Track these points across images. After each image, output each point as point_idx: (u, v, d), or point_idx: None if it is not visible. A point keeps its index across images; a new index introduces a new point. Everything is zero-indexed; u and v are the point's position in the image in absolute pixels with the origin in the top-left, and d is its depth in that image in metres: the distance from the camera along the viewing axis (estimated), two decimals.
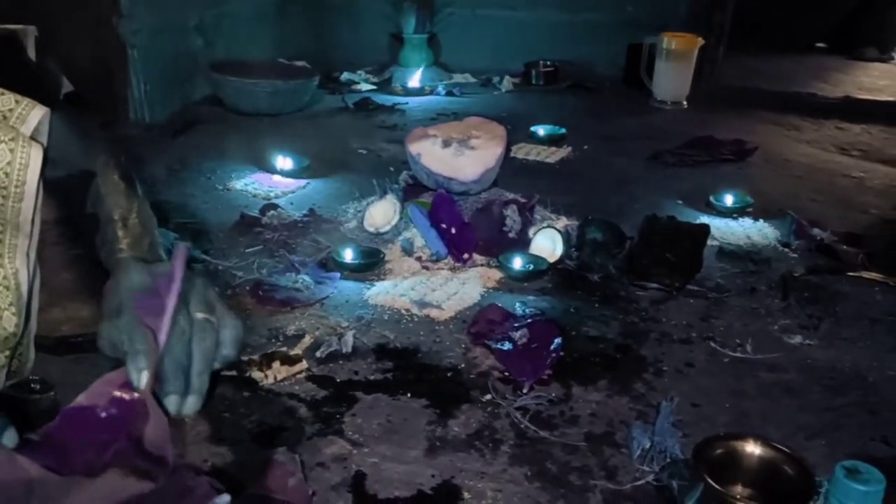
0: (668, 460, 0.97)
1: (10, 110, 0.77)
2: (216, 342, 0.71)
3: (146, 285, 0.72)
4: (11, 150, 0.74)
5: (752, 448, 0.90)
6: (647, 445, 0.99)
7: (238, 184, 1.89)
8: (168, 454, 0.67)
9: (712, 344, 1.25)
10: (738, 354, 1.23)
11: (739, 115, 2.73)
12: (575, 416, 1.06)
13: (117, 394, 0.68)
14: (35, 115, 0.78)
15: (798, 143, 2.46)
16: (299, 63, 2.79)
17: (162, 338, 0.69)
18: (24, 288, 0.78)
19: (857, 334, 1.30)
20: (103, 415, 0.68)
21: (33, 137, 0.76)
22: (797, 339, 1.27)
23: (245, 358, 1.14)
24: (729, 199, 1.82)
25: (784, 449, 0.88)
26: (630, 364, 1.19)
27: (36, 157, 0.75)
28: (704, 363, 1.21)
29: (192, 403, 0.69)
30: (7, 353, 0.82)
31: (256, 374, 1.11)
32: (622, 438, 1.02)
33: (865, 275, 1.47)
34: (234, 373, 1.11)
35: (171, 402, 0.68)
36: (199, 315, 0.71)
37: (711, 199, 1.83)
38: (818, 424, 1.07)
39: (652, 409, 1.07)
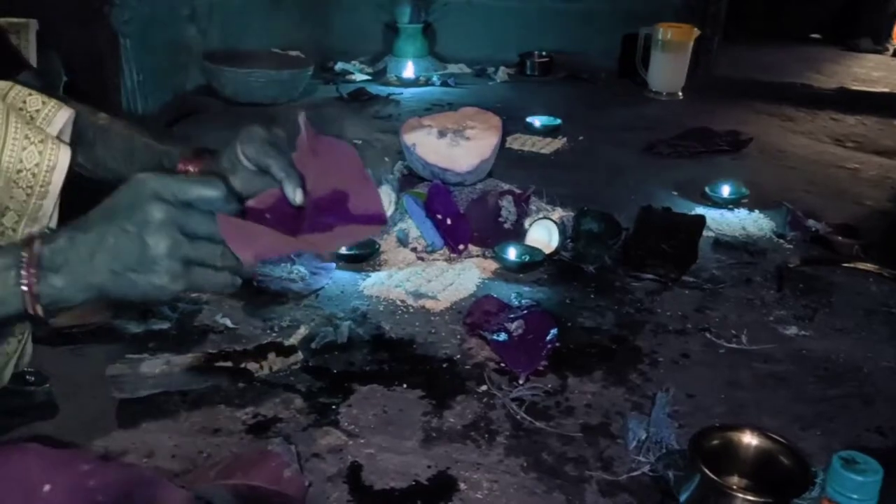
0: (664, 451, 0.97)
1: (38, 111, 0.78)
2: None
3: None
4: (40, 152, 0.75)
5: (749, 438, 0.90)
6: (643, 436, 0.99)
7: None
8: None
9: (707, 335, 1.25)
10: (734, 345, 1.23)
11: (734, 105, 2.73)
12: (571, 407, 1.06)
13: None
14: (61, 116, 0.79)
15: (793, 133, 2.46)
16: (293, 53, 2.77)
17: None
18: None
19: (851, 325, 1.30)
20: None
21: (61, 139, 0.77)
22: (792, 330, 1.28)
23: (239, 349, 1.14)
24: (724, 190, 1.81)
25: (780, 439, 0.89)
26: (625, 355, 1.19)
27: (63, 158, 0.77)
28: (700, 354, 1.21)
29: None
30: (20, 338, 0.82)
31: (251, 366, 1.11)
32: (618, 429, 1.02)
33: (860, 266, 1.48)
34: (228, 364, 1.11)
35: None
36: None
37: (707, 189, 1.83)
38: (813, 415, 1.07)
39: (647, 400, 1.07)
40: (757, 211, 1.76)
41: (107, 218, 0.64)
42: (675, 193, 1.87)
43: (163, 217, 0.62)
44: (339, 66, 3.03)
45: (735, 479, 0.90)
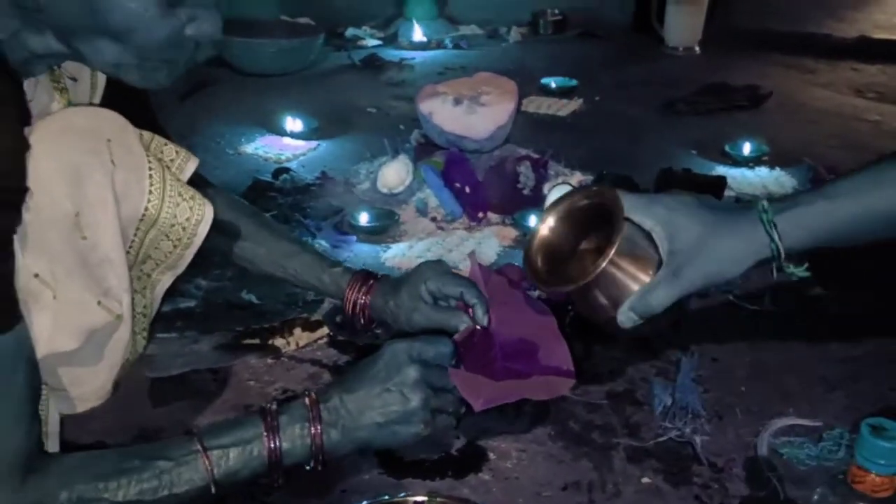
0: (690, 416, 0.98)
1: (172, 160, 0.84)
2: None
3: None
4: (191, 208, 0.81)
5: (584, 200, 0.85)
6: (669, 402, 1.00)
7: (248, 147, 1.88)
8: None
9: (731, 297, 1.25)
10: (757, 307, 1.23)
11: (753, 58, 2.68)
12: (596, 375, 1.07)
13: None
14: (191, 165, 0.85)
15: (813, 86, 2.41)
16: (303, 20, 2.74)
17: None
18: (153, 315, 0.90)
19: (876, 283, 1.29)
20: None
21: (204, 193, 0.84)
22: (816, 291, 1.27)
23: (266, 325, 1.15)
24: (745, 148, 1.79)
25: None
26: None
27: (209, 214, 0.83)
28: (723, 318, 1.21)
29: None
30: (125, 371, 0.87)
31: (278, 342, 1.12)
32: (643, 396, 1.03)
33: None
34: (256, 341, 1.12)
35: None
36: None
37: (726, 148, 1.81)
38: (838, 375, 1.07)
39: (672, 366, 1.08)
40: (778, 168, 1.75)
41: (370, 380, 0.75)
42: (695, 153, 1.85)
43: (417, 376, 0.75)
44: (350, 32, 2.99)
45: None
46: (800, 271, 0.75)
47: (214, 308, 1.22)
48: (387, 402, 0.74)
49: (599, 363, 1.09)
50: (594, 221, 0.81)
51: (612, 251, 0.73)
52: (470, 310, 0.88)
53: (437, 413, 0.76)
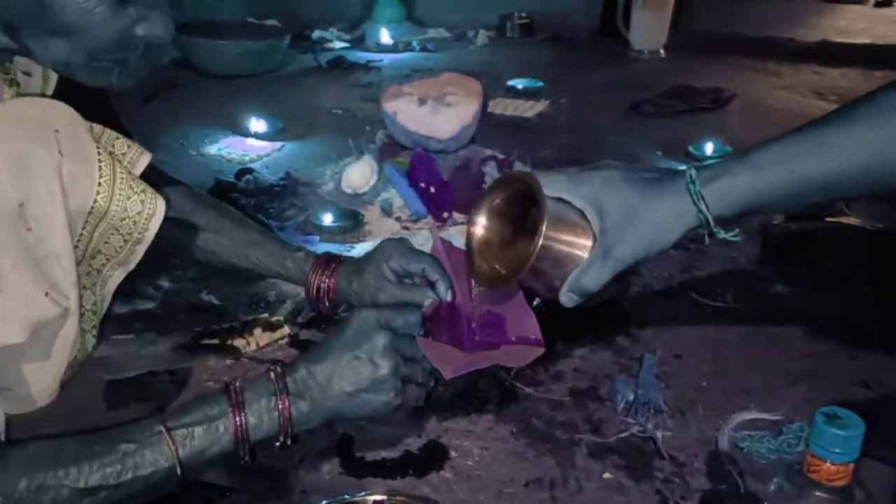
0: (653, 412, 0.97)
1: (124, 154, 0.81)
2: None
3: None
4: (142, 202, 0.79)
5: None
6: (631, 398, 1.00)
7: (212, 149, 1.86)
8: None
9: (694, 294, 1.26)
10: (720, 304, 1.23)
11: (717, 61, 2.71)
12: (559, 372, 1.07)
13: None
14: (144, 160, 0.83)
15: (776, 88, 2.45)
16: (269, 22, 2.72)
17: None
18: (103, 312, 0.88)
19: (836, 280, 1.31)
20: None
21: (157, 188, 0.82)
22: (777, 287, 1.28)
23: (226, 326, 1.14)
24: (708, 149, 1.81)
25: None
26: (612, 317, 1.20)
27: (161, 207, 0.81)
28: (686, 314, 1.21)
29: None
30: (73, 370, 0.86)
31: (238, 342, 1.10)
32: (606, 392, 1.03)
33: (844, 220, 1.48)
34: (215, 341, 1.10)
35: None
36: None
37: (691, 148, 1.83)
38: (799, 370, 1.08)
39: (635, 362, 1.08)
40: None
41: (339, 348, 0.74)
42: (660, 154, 1.86)
43: (387, 342, 0.74)
44: (317, 34, 2.98)
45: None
46: (730, 236, 0.74)
47: (174, 309, 1.20)
48: (356, 369, 0.73)
49: (562, 360, 1.09)
50: (525, 204, 0.80)
51: (541, 239, 0.72)
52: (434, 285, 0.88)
53: (406, 383, 0.76)
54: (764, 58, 2.75)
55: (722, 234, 0.73)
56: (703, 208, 0.71)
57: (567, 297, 0.77)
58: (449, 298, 0.87)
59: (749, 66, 2.66)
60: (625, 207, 0.73)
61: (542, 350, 0.84)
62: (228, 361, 1.08)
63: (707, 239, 0.75)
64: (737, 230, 0.76)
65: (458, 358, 0.79)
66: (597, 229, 0.75)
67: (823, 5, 3.90)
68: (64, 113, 0.75)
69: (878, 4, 3.92)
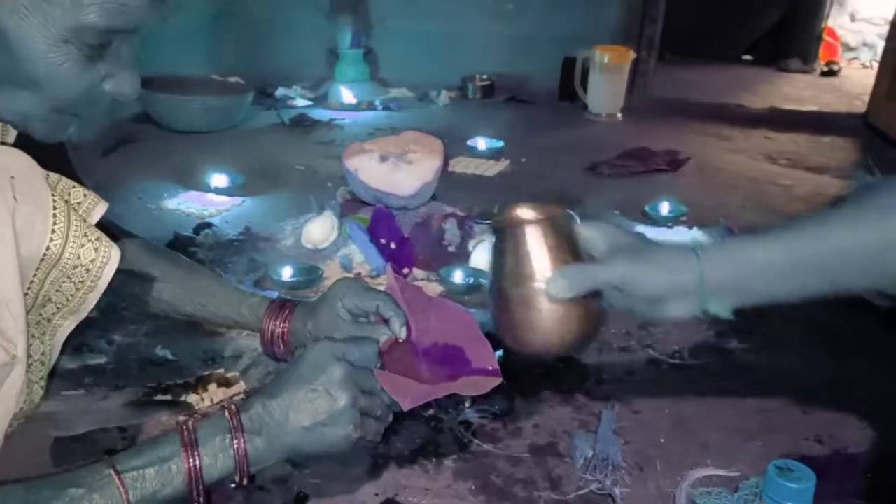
0: (611, 468, 0.97)
1: (79, 203, 0.80)
2: None
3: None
4: (96, 249, 0.78)
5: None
6: (590, 454, 0.99)
7: (171, 203, 1.84)
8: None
9: (651, 351, 1.27)
10: (677, 361, 1.25)
11: (672, 125, 2.80)
12: (518, 428, 1.06)
13: None
14: (100, 209, 0.82)
15: (729, 152, 2.53)
16: (233, 79, 2.75)
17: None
18: (52, 363, 0.84)
19: (789, 338, 1.33)
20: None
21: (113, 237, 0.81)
22: (733, 344, 1.30)
23: (180, 381, 1.11)
24: (664, 208, 1.85)
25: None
26: (571, 374, 1.20)
27: (115, 256, 0.79)
28: (644, 371, 1.22)
29: None
30: (21, 421, 0.83)
31: (192, 398, 1.08)
32: (565, 448, 1.02)
33: None
34: (168, 397, 1.08)
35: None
36: None
37: (647, 208, 1.87)
38: (755, 426, 1.09)
39: (594, 418, 1.08)
40: (695, 228, 1.80)
41: (295, 382, 0.73)
42: (617, 212, 1.90)
43: (344, 374, 0.73)
44: (280, 91, 3.01)
45: None
46: (725, 313, 0.78)
47: (126, 364, 1.17)
48: (313, 402, 0.72)
49: (522, 416, 1.09)
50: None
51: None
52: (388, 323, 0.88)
53: (365, 417, 0.75)
54: (716, 122, 2.84)
55: (717, 311, 0.77)
56: (699, 270, 0.76)
57: (557, 285, 0.79)
58: (404, 335, 0.87)
59: (702, 131, 2.75)
60: (634, 247, 0.82)
61: (499, 380, 0.85)
62: (182, 418, 1.05)
63: (702, 314, 0.79)
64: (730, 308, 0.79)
65: (416, 389, 0.79)
66: (600, 255, 0.83)
67: (772, 74, 4.08)
68: (21, 160, 0.74)
69: (824, 74, 4.10)
